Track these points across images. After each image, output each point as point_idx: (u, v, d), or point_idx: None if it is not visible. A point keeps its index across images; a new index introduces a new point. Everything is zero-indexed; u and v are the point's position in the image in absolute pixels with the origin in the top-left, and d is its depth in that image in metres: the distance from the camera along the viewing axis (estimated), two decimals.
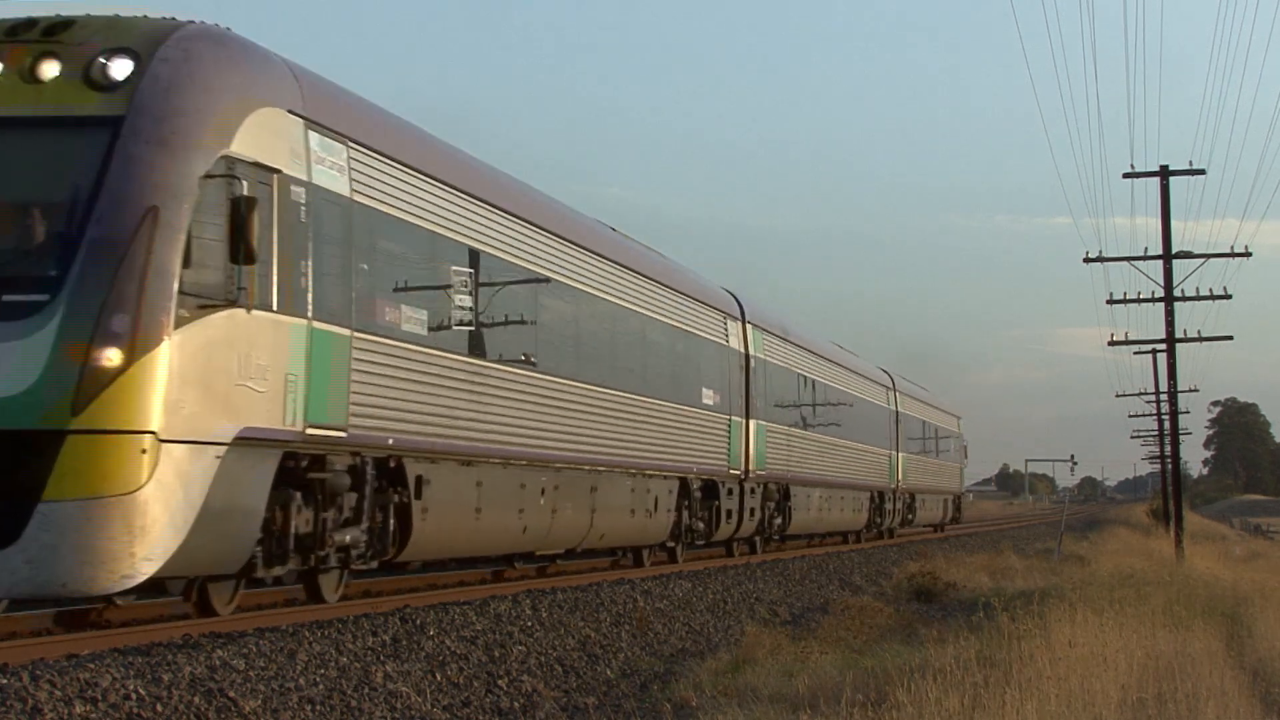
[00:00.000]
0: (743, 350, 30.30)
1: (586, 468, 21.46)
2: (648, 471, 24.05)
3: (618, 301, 23.19)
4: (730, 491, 28.93)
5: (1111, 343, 42.50)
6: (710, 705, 12.49)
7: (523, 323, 19.42)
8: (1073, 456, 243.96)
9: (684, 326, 26.58)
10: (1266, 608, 18.60)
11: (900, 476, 48.75)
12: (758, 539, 33.18)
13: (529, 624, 15.53)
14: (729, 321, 29.75)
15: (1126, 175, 38.76)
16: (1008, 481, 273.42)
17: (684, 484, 26.16)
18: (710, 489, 27.92)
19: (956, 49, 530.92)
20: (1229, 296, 38.70)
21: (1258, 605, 19.01)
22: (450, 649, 13.48)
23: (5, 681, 9.52)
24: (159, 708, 9.81)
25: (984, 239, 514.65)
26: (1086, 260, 39.03)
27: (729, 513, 28.83)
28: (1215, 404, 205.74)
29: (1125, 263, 39.00)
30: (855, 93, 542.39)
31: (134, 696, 9.84)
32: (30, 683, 9.56)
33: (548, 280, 20.30)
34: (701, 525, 27.48)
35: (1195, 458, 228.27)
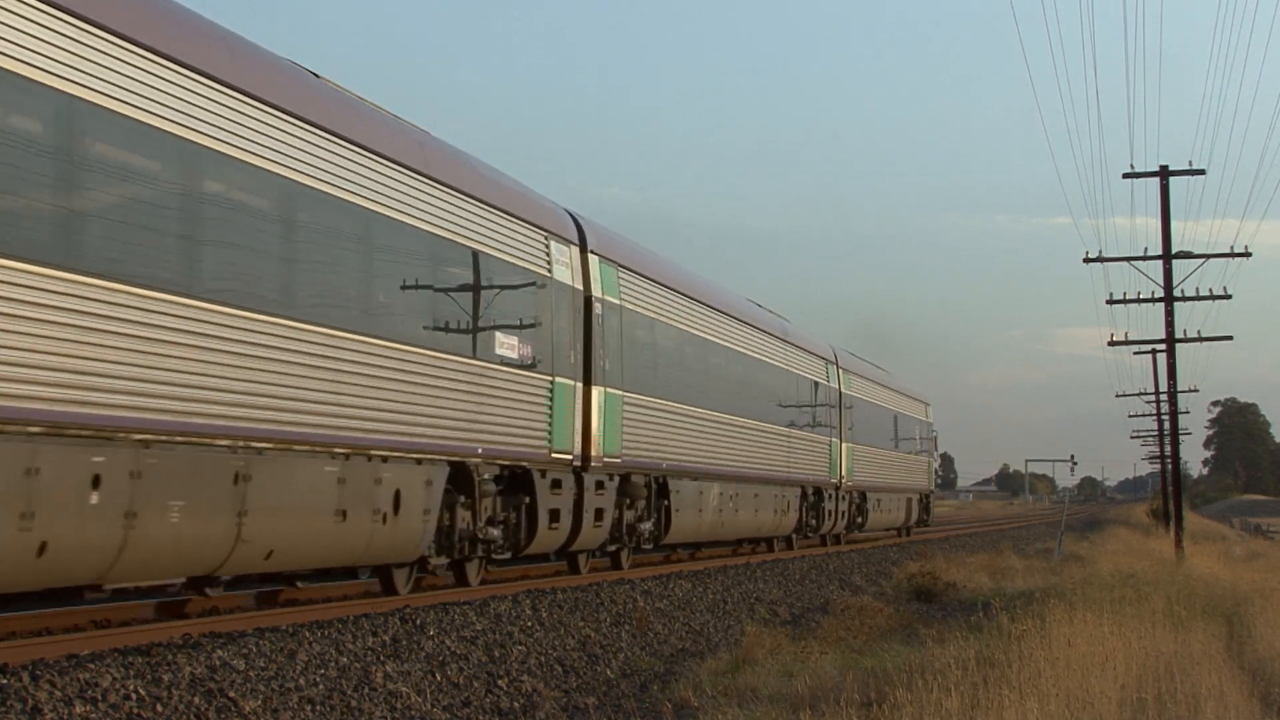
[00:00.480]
0: (581, 289, 21.69)
1: (224, 442, 13.21)
2: (375, 452, 15.77)
3: (308, 183, 14.72)
4: (557, 485, 20.58)
5: (1111, 343, 42.53)
6: (710, 705, 12.50)
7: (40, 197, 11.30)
8: (1073, 456, 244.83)
9: (459, 238, 17.81)
10: (1266, 608, 18.60)
11: (845, 470, 39.78)
12: (623, 551, 24.62)
13: (529, 624, 15.54)
14: (556, 246, 20.82)
15: (1126, 175, 38.74)
16: (1008, 481, 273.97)
17: (461, 472, 17.98)
18: (520, 481, 19.73)
19: (957, 49, 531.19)
20: (1229, 296, 38.72)
21: (1258, 605, 19.01)
22: (450, 649, 13.49)
23: (5, 681, 9.52)
24: (159, 708, 9.81)
25: (984, 239, 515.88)
26: (1086, 260, 39.03)
27: (554, 514, 20.53)
28: (1215, 404, 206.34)
29: (1125, 263, 38.99)
30: (856, 93, 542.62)
31: (134, 696, 9.85)
32: (30, 683, 9.56)
33: (124, 120, 12.17)
34: (497, 533, 19.03)
35: (1195, 458, 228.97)
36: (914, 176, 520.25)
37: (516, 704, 12.61)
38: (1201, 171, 38.26)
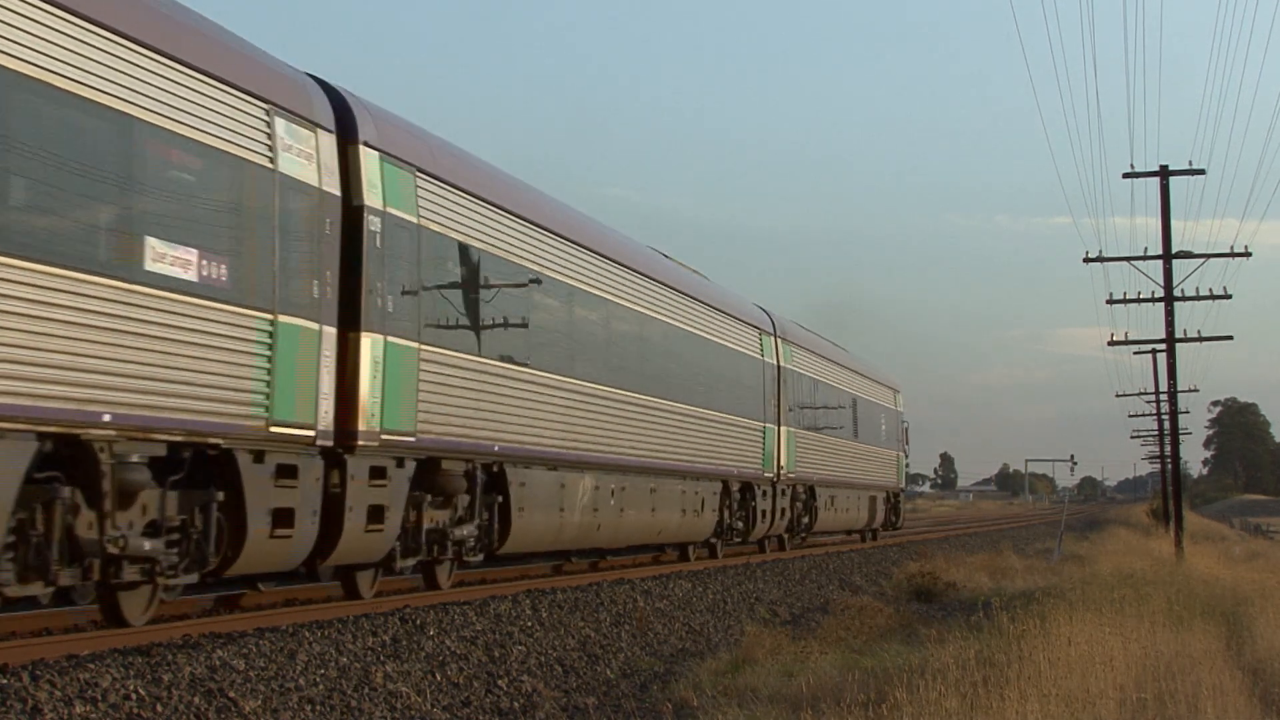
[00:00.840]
0: (339, 194, 15.13)
1: None
2: None
3: None
4: (287, 473, 14.22)
5: (1111, 343, 42.58)
6: (710, 705, 12.50)
7: None
8: (1073, 456, 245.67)
9: (68, 86, 11.40)
10: (1266, 608, 18.61)
11: (785, 460, 32.91)
12: (439, 565, 18.10)
13: (529, 624, 15.54)
14: (287, 126, 14.33)
15: (1126, 175, 38.79)
16: (1008, 481, 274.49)
17: (78, 454, 11.91)
18: (218, 468, 13.48)
19: (957, 49, 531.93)
20: (1229, 296, 38.77)
21: (1257, 605, 19.02)
22: (450, 649, 13.50)
23: (5, 681, 9.53)
24: (159, 708, 9.82)
25: (984, 239, 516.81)
26: (1086, 260, 39.08)
27: (281, 515, 14.10)
28: (1215, 404, 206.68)
29: (1125, 263, 39.05)
30: (856, 92, 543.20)
31: (134, 696, 9.86)
32: (30, 683, 9.57)
33: None
34: (156, 545, 12.69)
35: (1195, 458, 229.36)
36: (914, 176, 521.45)
37: (516, 704, 12.61)
38: (1201, 171, 38.32)
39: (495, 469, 18.74)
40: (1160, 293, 38.08)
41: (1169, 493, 57.75)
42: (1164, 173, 37.98)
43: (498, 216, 18.86)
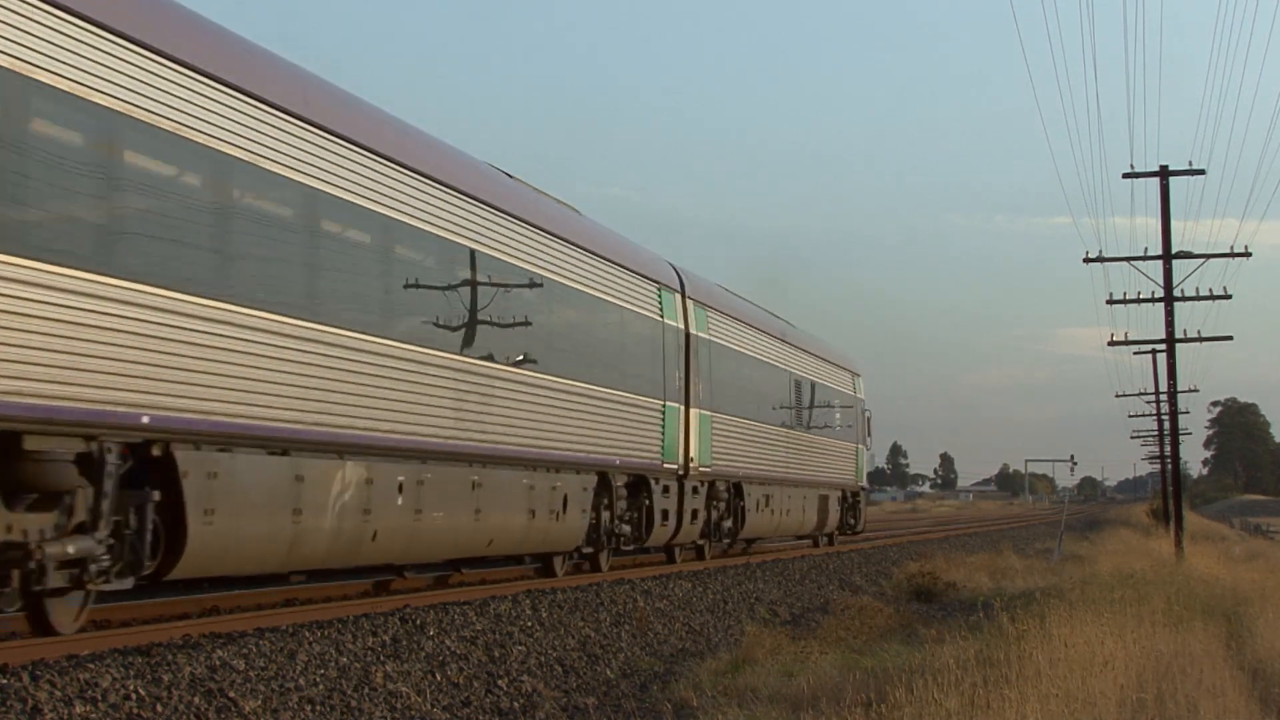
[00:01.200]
0: None
1: None
2: None
3: None
4: None
5: (1111, 343, 42.59)
6: (710, 705, 12.51)
7: None
8: (1073, 456, 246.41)
9: None
10: (1266, 608, 18.61)
11: (696, 450, 26.48)
12: (53, 598, 12.05)
13: (529, 624, 15.54)
14: None
15: (1126, 175, 38.81)
16: (1008, 481, 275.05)
17: None
18: None
19: (957, 49, 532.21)
20: (1229, 296, 38.79)
21: (1257, 605, 19.03)
22: (450, 649, 13.50)
23: (5, 681, 9.53)
24: (159, 708, 9.82)
25: (984, 239, 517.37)
26: (1086, 260, 39.10)
27: None
28: (1215, 404, 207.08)
29: (1125, 263, 39.08)
30: (856, 93, 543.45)
31: (134, 696, 9.86)
32: (30, 683, 9.57)
33: None
34: None
35: (1195, 458, 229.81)
36: (914, 176, 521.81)
37: (516, 704, 12.61)
38: (1201, 171, 38.35)
39: (157, 457, 12.61)
40: (1160, 293, 38.10)
41: (1169, 493, 57.78)
42: (1164, 173, 38.00)
43: (158, 67, 12.49)
